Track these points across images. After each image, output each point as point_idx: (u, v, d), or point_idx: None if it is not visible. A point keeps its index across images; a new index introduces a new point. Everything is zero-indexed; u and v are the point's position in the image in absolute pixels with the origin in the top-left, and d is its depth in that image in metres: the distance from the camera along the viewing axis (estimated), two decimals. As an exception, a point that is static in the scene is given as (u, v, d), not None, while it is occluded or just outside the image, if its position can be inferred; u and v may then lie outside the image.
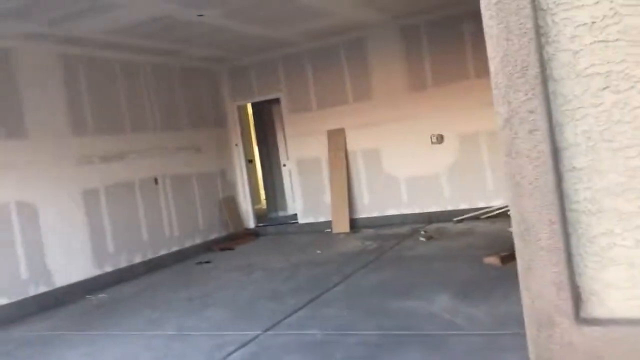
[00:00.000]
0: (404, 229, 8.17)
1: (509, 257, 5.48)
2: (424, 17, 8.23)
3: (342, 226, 8.77)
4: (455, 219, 8.19)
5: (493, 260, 5.47)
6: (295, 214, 9.77)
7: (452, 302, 4.46)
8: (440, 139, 8.32)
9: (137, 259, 7.62)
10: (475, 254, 5.96)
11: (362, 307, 4.66)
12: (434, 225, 8.14)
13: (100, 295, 6.68)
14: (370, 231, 8.37)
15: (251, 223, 9.83)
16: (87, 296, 6.71)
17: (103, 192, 7.27)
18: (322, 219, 9.22)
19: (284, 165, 10.77)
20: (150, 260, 7.80)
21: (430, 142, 8.38)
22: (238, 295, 5.67)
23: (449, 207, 8.37)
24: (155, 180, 8.11)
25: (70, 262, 6.71)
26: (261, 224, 9.91)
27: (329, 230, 9.03)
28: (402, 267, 5.91)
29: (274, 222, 10.05)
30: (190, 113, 8.94)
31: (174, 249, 8.26)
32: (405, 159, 8.57)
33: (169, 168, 8.39)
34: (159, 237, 8.04)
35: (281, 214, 10.98)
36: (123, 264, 7.40)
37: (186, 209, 8.60)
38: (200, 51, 8.46)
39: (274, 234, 9.59)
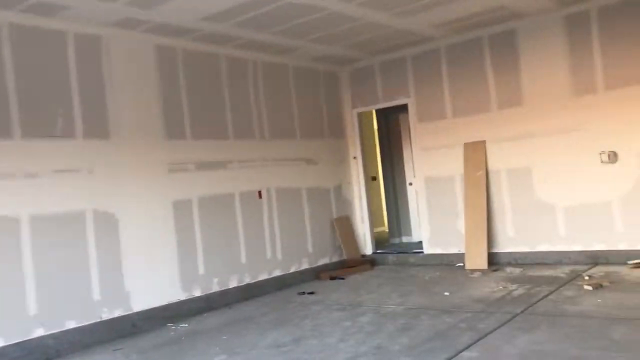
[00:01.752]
0: (561, 271, 6.33)
1: None
2: (597, 1, 6.43)
3: (477, 261, 7.12)
4: (630, 262, 6.21)
5: None
6: (421, 242, 8.27)
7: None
8: (613, 157, 6.41)
9: (232, 284, 6.58)
10: (678, 320, 4.12)
11: (507, 396, 3.11)
12: (601, 269, 6.23)
13: (181, 325, 5.69)
14: (515, 271, 6.62)
15: (368, 249, 8.47)
16: (168, 324, 5.76)
17: (197, 205, 6.34)
18: (452, 250, 7.62)
19: (410, 183, 9.31)
20: (247, 286, 6.73)
21: (599, 162, 6.50)
22: (334, 348, 4.33)
23: (622, 246, 6.40)
24: (259, 194, 7.08)
25: (153, 283, 5.81)
26: (380, 251, 8.52)
27: (461, 265, 7.42)
28: (563, 328, 4.21)
29: (395, 249, 8.60)
30: (303, 120, 7.84)
31: (276, 274, 7.13)
32: (564, 181, 6.75)
33: (276, 181, 7.32)
34: (259, 260, 6.97)
35: (405, 239, 9.51)
36: (214, 288, 6.40)
37: (293, 228, 7.47)
38: (319, 48, 7.35)
39: (393, 264, 8.15)
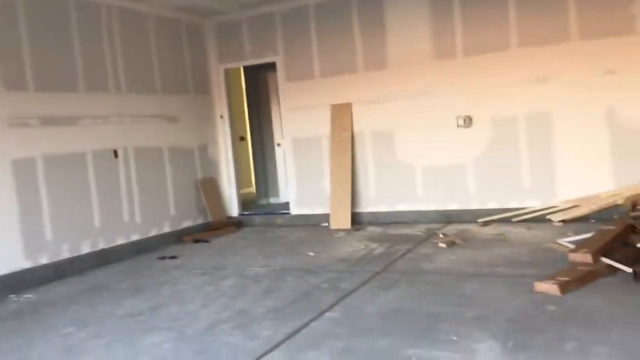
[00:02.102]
0: (418, 230, 6.62)
1: (571, 284, 3.96)
2: (458, -32, 6.63)
3: (342, 221, 7.23)
4: (480, 220, 6.65)
5: (549, 287, 3.93)
6: (288, 203, 8.24)
7: (501, 355, 2.94)
8: (468, 121, 6.74)
9: (84, 249, 6.09)
10: (519, 273, 4.43)
11: (366, 357, 3.14)
12: (455, 227, 6.60)
13: (25, 296, 5.16)
14: (377, 230, 6.82)
15: (234, 210, 8.29)
16: (11, 295, 5.20)
17: (42, 164, 5.71)
18: (318, 211, 7.68)
19: (279, 144, 9.20)
20: (102, 252, 6.27)
21: (455, 125, 6.81)
22: (195, 315, 4.14)
23: (473, 206, 6.82)
24: (115, 153, 6.56)
25: (-11, 251, 5.19)
26: (247, 212, 8.37)
27: (326, 224, 7.50)
28: (420, 285, 4.38)
29: (262, 210, 8.50)
30: (164, 73, 7.35)
31: (134, 238, 6.72)
32: (423, 144, 7.01)
33: (134, 139, 6.83)
34: (116, 224, 6.51)
35: (273, 201, 9.45)
36: (64, 255, 5.87)
37: (154, 190, 7.06)
38: (180, -3, 6.87)
39: (260, 225, 8.05)
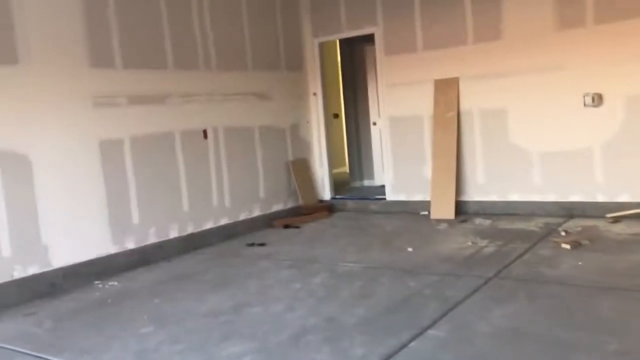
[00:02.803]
0: (535, 224, 5.81)
1: None
2: None
3: (444, 211, 6.54)
4: (609, 216, 5.73)
5: None
6: (384, 187, 7.65)
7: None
8: (597, 100, 5.78)
9: (172, 234, 5.86)
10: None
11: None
12: (578, 222, 5.73)
13: (110, 283, 4.98)
14: (485, 222, 6.07)
15: (327, 194, 7.81)
16: (96, 282, 5.05)
17: (129, 145, 5.49)
18: (417, 198, 7.02)
19: (374, 123, 8.60)
20: (190, 237, 6.02)
21: (582, 104, 5.88)
22: (280, 319, 3.70)
23: (601, 198, 5.90)
24: (204, 133, 6.25)
25: (76, 235, 5.04)
26: (339, 196, 7.87)
27: (425, 213, 6.84)
28: (542, 300, 3.67)
29: (355, 195, 7.96)
30: (256, 49, 6.92)
31: (223, 222, 6.43)
32: (542, 125, 6.13)
33: (224, 118, 6.49)
34: (205, 207, 6.23)
35: (367, 183, 8.90)
36: (151, 239, 5.66)
37: (244, 172, 6.72)
38: (272, -35, 6.36)
39: (353, 211, 7.53)
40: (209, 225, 6.26)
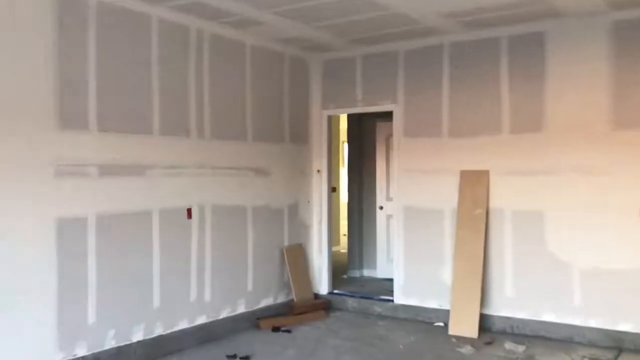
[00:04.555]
0: (578, 355, 4.79)
1: None
2: (660, 7, 4.91)
3: (466, 326, 5.50)
4: (667, 354, 4.75)
5: None
6: (386, 280, 6.66)
7: None
8: (658, 213, 4.91)
9: (136, 336, 4.73)
10: None
11: None
12: (630, 358, 4.72)
13: (46, 408, 3.81)
14: (518, 349, 5.01)
15: (323, 287, 6.75)
16: (29, 403, 3.87)
17: (94, 225, 4.44)
18: (432, 305, 5.99)
19: (381, 207, 7.65)
20: (158, 340, 4.88)
21: (636, 217, 4.99)
22: None
23: (656, 330, 4.93)
24: (189, 213, 5.23)
25: (10, 340, 3.90)
26: (337, 292, 6.80)
27: (441, 324, 5.81)
28: None
29: (356, 292, 6.88)
30: (258, 117, 6.01)
31: (200, 321, 5.31)
32: (586, 236, 5.21)
33: (214, 195, 5.49)
34: (180, 303, 5.13)
35: (367, 273, 7.89)
36: (108, 344, 4.52)
37: (231, 259, 5.66)
38: (287, 26, 5.54)
39: (354, 312, 6.44)
40: (182, 324, 5.14)
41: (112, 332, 4.54)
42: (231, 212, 5.68)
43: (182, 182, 5.17)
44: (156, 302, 4.90)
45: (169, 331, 5.00)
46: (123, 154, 4.66)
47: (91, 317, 4.40)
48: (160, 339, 4.90)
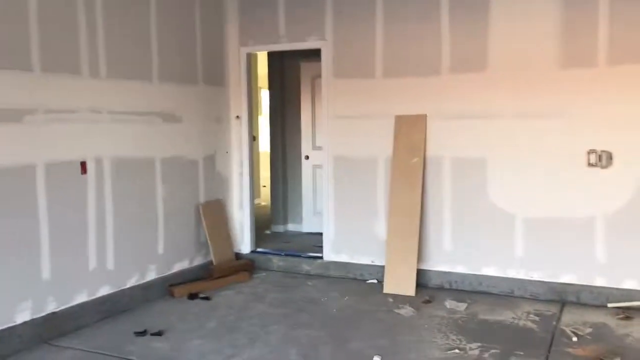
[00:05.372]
0: (525, 314, 4.49)
1: None
2: None
3: (402, 284, 5.08)
4: (611, 306, 4.55)
5: None
6: (313, 234, 6.17)
7: None
8: (606, 159, 4.61)
9: (21, 317, 3.91)
10: None
11: None
12: (579, 315, 4.47)
13: None
14: (459, 307, 4.65)
15: (246, 246, 6.12)
16: None
17: (-44, 184, 3.53)
18: (364, 261, 5.53)
19: (307, 157, 7.04)
20: (51, 318, 4.09)
21: (585, 163, 4.68)
22: None
23: (600, 282, 4.70)
24: (83, 167, 4.37)
25: None
26: (262, 250, 6.20)
27: (374, 281, 5.38)
28: None
29: (281, 247, 6.32)
30: (165, 54, 5.13)
31: (102, 292, 4.54)
32: (531, 184, 4.87)
33: (114, 146, 4.64)
34: (76, 272, 4.33)
35: (292, 228, 7.32)
36: (-14, 328, 3.70)
37: (137, 220, 4.88)
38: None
39: (280, 272, 5.88)
40: (81, 298, 4.36)
41: (-10, 313, 3.71)
42: (136, 165, 4.86)
43: (73, 130, 4.29)
44: (46, 273, 4.08)
45: (64, 307, 4.21)
46: (-7, 94, 3.72)
47: (-41, 298, 3.55)
48: (53, 316, 4.11)
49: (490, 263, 5.05)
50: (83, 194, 4.38)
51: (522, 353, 3.72)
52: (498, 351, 3.76)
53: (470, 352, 3.75)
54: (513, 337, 4.03)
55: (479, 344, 3.88)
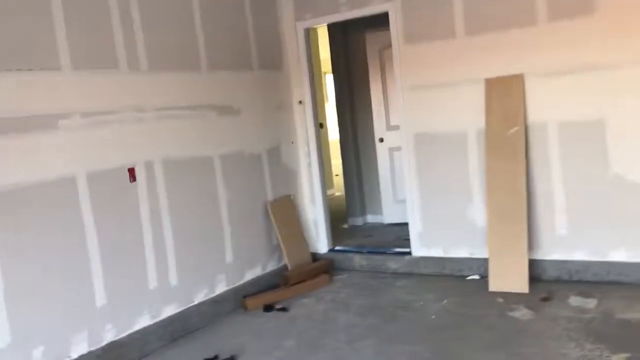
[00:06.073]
0: (674, 309, 3.60)
1: None
2: None
3: (511, 279, 4.26)
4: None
5: None
6: (398, 225, 5.47)
7: None
8: None
9: (76, 350, 3.44)
10: None
11: None
12: None
13: None
14: (589, 304, 3.80)
15: (323, 245, 5.47)
16: None
17: None
18: (460, 254, 4.75)
19: (381, 140, 6.30)
20: (110, 348, 3.61)
21: None
22: None
23: None
24: (131, 174, 3.85)
25: None
26: (340, 248, 5.54)
27: (475, 277, 4.60)
28: None
29: (362, 244, 5.63)
30: (212, 38, 4.53)
31: (168, 312, 4.03)
32: (665, 146, 3.92)
33: (164, 147, 4.10)
34: (135, 294, 3.83)
35: (371, 219, 6.62)
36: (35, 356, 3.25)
37: (198, 227, 4.33)
38: None
39: (364, 272, 5.19)
40: (143, 322, 3.85)
41: (38, 352, 3.24)
42: (191, 165, 4.31)
43: (116, 133, 3.77)
44: (100, 299, 3.59)
45: (123, 334, 3.71)
46: (22, 99, 3.23)
47: (4, 339, 3.10)
48: (112, 346, 3.62)
49: (618, 246, 4.14)
50: (134, 204, 3.86)
51: (689, 366, 2.86)
52: (655, 364, 2.91)
53: (619, 369, 2.93)
54: (670, 342, 3.16)
55: (627, 355, 3.04)
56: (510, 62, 4.35)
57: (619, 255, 4.14)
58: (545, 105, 4.27)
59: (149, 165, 3.96)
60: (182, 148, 4.22)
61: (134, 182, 3.86)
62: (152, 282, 3.94)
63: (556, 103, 4.22)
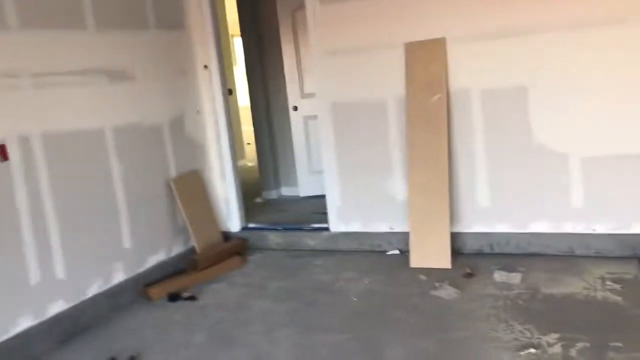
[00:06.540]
0: (599, 281, 3.51)
1: None
2: None
3: (433, 254, 4.07)
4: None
5: None
6: (314, 197, 5.18)
7: None
8: (686, 71, 3.54)
9: (-61, 364, 2.87)
10: None
11: None
12: (657, 272, 3.53)
13: None
14: (513, 279, 3.66)
15: (235, 223, 5.06)
16: None
17: None
18: (380, 228, 4.51)
19: (295, 108, 5.91)
20: (-17, 357, 3.07)
21: (658, 80, 3.62)
22: None
23: (680, 227, 3.73)
24: (2, 151, 3.24)
25: None
26: (254, 225, 5.15)
27: (395, 252, 4.39)
28: None
29: (277, 219, 5.28)
30: (99, -10, 3.92)
31: (55, 309, 3.50)
32: (589, 117, 3.81)
33: (44, 119, 3.49)
34: (14, 292, 3.26)
35: (286, 192, 6.27)
36: None
37: (88, 211, 3.78)
38: None
39: (280, 250, 4.85)
40: (24, 323, 3.31)
41: None
42: (79, 140, 3.73)
43: (-20, 103, 3.14)
44: (-33, 301, 3.02)
45: (2, 338, 3.17)
46: None
47: None
48: (-13, 355, 3.08)
49: (540, 217, 4.04)
50: (7, 187, 3.26)
51: (620, 344, 2.75)
52: (587, 344, 2.79)
53: (551, 350, 2.78)
54: (598, 318, 3.06)
55: (557, 335, 2.91)
56: (432, 24, 4.08)
57: (540, 226, 4.05)
58: (468, 71, 4.04)
59: (24, 141, 3.36)
60: (66, 120, 3.63)
61: (5, 161, 3.25)
62: (34, 277, 3.38)
63: (480, 69, 4.01)
